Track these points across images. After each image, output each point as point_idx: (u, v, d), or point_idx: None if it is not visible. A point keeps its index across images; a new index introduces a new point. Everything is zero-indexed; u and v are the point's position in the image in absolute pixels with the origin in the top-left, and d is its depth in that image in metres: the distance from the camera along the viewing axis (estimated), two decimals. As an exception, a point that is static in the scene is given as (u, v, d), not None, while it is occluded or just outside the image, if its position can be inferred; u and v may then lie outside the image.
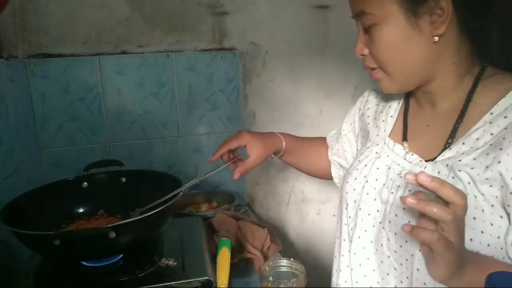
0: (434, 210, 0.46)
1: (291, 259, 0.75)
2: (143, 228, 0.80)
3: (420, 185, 0.48)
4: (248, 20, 1.36)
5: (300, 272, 0.73)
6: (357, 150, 0.87)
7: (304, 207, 1.56)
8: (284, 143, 0.94)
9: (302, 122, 1.49)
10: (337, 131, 0.96)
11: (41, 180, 1.17)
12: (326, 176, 1.00)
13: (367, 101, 0.86)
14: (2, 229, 0.73)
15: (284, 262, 0.75)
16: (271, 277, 0.72)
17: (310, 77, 1.45)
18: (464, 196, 0.47)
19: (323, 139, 1.01)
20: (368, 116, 0.83)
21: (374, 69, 0.69)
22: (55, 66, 1.20)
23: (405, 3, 0.61)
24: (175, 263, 0.83)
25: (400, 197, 0.52)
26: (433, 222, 0.49)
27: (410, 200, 0.47)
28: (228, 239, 0.90)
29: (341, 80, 1.47)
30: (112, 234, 0.71)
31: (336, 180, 0.97)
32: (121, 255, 0.83)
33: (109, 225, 0.71)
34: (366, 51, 0.69)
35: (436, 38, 0.61)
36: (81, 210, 0.98)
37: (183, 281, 0.77)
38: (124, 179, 1.01)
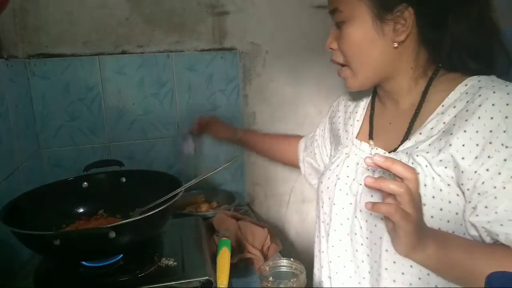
0: (390, 185, 0.54)
1: (291, 259, 0.75)
2: (143, 228, 0.80)
3: (377, 165, 0.56)
4: (248, 20, 1.36)
5: (300, 272, 0.73)
6: (330, 154, 0.95)
7: (304, 207, 1.56)
8: (240, 134, 1.21)
9: (302, 122, 1.49)
10: (312, 135, 1.06)
11: (41, 180, 1.17)
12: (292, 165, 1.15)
13: (338, 110, 0.94)
14: (2, 229, 0.73)
15: (284, 262, 0.75)
16: (271, 277, 0.72)
17: (310, 77, 1.45)
18: (413, 170, 0.55)
19: (293, 136, 1.16)
20: (339, 123, 0.91)
21: (340, 64, 0.76)
22: (55, 66, 1.20)
23: (374, 8, 0.67)
24: (175, 263, 0.83)
25: (364, 179, 0.57)
26: (393, 199, 0.56)
27: (369, 180, 0.55)
28: (228, 239, 0.90)
29: (341, 80, 1.47)
30: (112, 234, 0.71)
31: (306, 175, 1.09)
32: (121, 255, 0.83)
33: (109, 225, 0.71)
34: (335, 45, 0.75)
35: (396, 44, 0.68)
36: (81, 210, 0.98)
37: (183, 281, 0.77)
38: (124, 179, 1.01)
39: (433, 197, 0.63)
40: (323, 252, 0.82)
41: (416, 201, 0.55)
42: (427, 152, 0.64)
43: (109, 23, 1.24)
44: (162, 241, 0.92)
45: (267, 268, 0.74)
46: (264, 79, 1.42)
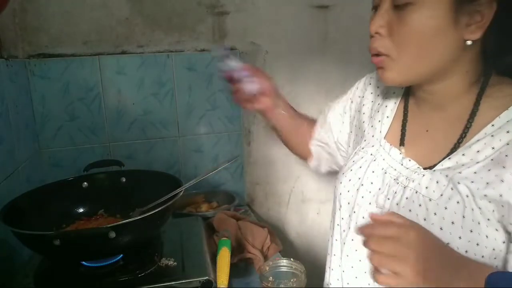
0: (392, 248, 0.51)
1: (291, 259, 0.75)
2: (143, 228, 0.80)
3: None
4: (248, 20, 1.36)
5: (300, 272, 0.73)
6: (350, 145, 0.86)
7: (304, 207, 1.56)
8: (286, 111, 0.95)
9: (302, 122, 1.49)
10: (325, 114, 0.95)
11: (41, 180, 1.17)
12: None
13: (363, 97, 0.83)
14: (2, 229, 0.73)
15: (284, 262, 0.75)
16: (271, 277, 0.72)
17: (310, 77, 1.45)
18: (407, 230, 0.51)
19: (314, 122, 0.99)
20: (364, 114, 0.81)
21: (380, 54, 0.63)
22: (55, 66, 1.20)
23: None
24: (175, 263, 0.83)
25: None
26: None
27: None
28: (228, 239, 0.90)
29: (341, 80, 1.47)
30: (112, 234, 0.71)
31: (315, 167, 0.98)
32: (121, 255, 0.83)
33: (109, 225, 0.71)
34: (384, 30, 0.62)
35: (470, 42, 0.59)
36: (81, 210, 0.98)
37: (183, 281, 0.77)
38: (124, 179, 1.01)
39: (471, 231, 0.58)
40: (334, 255, 0.78)
41: (424, 256, 0.50)
42: (472, 182, 0.58)
43: (109, 23, 1.24)
44: (162, 241, 0.92)
45: (267, 268, 0.74)
46: (264, 79, 1.42)
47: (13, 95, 1.04)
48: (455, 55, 0.60)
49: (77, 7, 1.20)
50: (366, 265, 0.70)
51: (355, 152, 0.78)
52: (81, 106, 1.24)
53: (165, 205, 0.80)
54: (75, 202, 0.98)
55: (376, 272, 0.52)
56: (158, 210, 0.78)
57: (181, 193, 0.86)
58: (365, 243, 0.53)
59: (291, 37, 1.40)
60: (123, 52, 1.26)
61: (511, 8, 0.57)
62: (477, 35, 0.58)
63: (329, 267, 0.80)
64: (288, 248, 1.50)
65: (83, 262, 0.82)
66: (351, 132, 0.86)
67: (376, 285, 0.69)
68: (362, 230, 0.54)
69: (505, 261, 0.58)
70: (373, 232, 0.52)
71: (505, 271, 0.52)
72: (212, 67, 1.33)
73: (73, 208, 0.97)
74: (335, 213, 0.79)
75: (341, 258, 0.76)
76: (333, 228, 0.79)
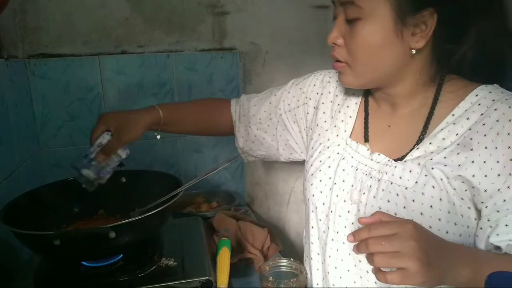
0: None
1: (291, 259, 0.75)
2: (143, 228, 0.80)
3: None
4: (248, 20, 1.36)
5: (300, 272, 0.73)
6: (305, 141, 0.88)
7: (304, 207, 1.56)
8: (161, 112, 0.91)
9: (302, 122, 1.49)
10: (267, 102, 0.93)
11: (41, 180, 1.17)
12: (224, 134, 1.04)
13: (321, 94, 0.85)
14: (2, 229, 0.73)
15: (284, 262, 0.75)
16: (271, 277, 0.72)
17: (310, 77, 1.45)
18: (401, 224, 0.52)
19: (219, 102, 1.04)
20: (324, 113, 0.83)
21: (339, 61, 0.69)
22: (55, 66, 1.20)
23: (398, 9, 0.61)
24: (175, 263, 0.83)
25: (347, 237, 0.55)
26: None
27: (351, 238, 0.54)
28: (228, 239, 0.90)
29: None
30: (112, 234, 0.71)
31: (244, 148, 0.99)
32: (121, 255, 0.83)
33: (109, 225, 0.71)
34: (340, 41, 0.68)
35: (414, 51, 0.64)
36: (81, 210, 0.98)
37: (183, 281, 0.77)
38: (124, 179, 1.01)
39: (449, 212, 0.62)
40: (312, 258, 0.79)
41: (421, 245, 0.51)
42: (445, 165, 0.62)
43: (109, 23, 1.24)
44: (162, 241, 0.92)
45: (267, 268, 0.74)
46: (264, 79, 1.42)
47: (13, 95, 1.04)
48: (404, 62, 0.66)
49: (77, 7, 1.20)
50: (349, 264, 0.72)
51: (320, 152, 0.80)
52: (81, 106, 1.24)
53: (165, 205, 0.80)
54: (75, 202, 0.97)
55: (380, 272, 0.52)
56: (158, 210, 0.78)
57: (181, 193, 0.85)
58: (361, 248, 0.53)
59: (291, 37, 1.41)
60: (123, 52, 1.26)
61: (449, 18, 0.62)
62: (421, 44, 0.63)
63: (309, 272, 0.81)
64: (288, 248, 1.50)
65: (83, 262, 0.82)
66: (310, 128, 0.86)
67: (359, 284, 0.71)
68: (356, 235, 0.54)
69: (475, 237, 0.63)
70: (371, 234, 0.52)
71: (505, 271, 0.52)
72: (212, 67, 1.33)
73: (73, 208, 0.97)
74: (308, 216, 0.80)
75: (324, 261, 0.76)
76: (309, 231, 0.80)
